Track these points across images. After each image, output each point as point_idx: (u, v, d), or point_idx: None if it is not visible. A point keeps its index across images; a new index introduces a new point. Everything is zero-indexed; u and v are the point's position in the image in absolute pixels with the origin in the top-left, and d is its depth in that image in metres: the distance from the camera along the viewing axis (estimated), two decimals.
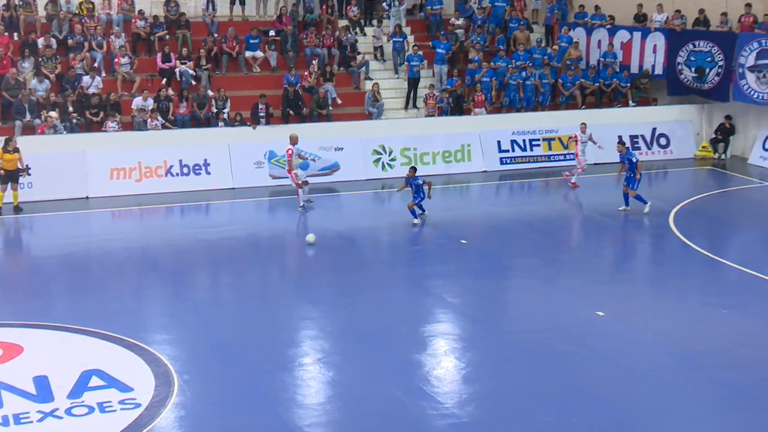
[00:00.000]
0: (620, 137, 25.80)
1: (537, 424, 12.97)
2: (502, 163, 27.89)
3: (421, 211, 22.11)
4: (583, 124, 25.72)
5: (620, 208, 23.09)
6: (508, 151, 28.06)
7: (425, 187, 21.94)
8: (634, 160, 22.90)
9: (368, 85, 28.31)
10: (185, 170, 25.16)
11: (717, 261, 20.15)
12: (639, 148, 29.22)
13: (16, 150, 22.65)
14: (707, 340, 15.94)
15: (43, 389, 13.42)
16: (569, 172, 25.98)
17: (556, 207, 25.02)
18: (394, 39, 29.51)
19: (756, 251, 20.85)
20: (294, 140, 23.09)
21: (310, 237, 20.29)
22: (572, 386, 14.14)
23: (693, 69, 29.64)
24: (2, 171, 22.47)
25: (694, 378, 14.58)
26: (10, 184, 22.74)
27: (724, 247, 21.52)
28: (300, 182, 23.05)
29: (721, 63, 29.22)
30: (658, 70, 30.29)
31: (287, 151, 23.03)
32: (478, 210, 24.94)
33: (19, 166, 22.74)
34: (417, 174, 22.30)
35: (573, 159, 27.49)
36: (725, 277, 19.50)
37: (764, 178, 27.41)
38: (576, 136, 25.70)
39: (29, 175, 23.34)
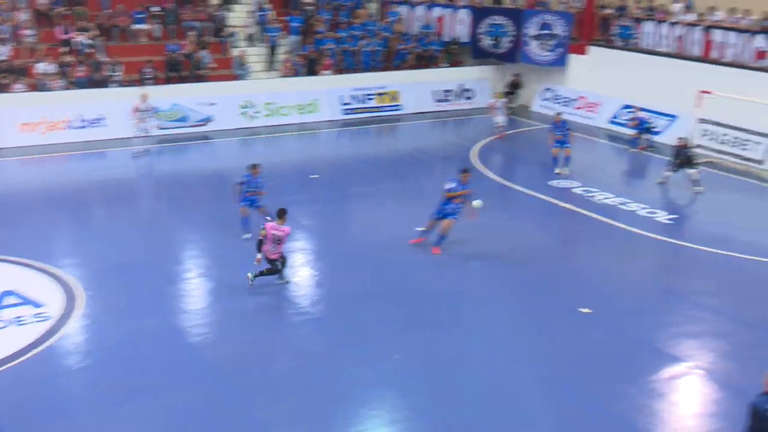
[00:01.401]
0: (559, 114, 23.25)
1: (372, 318, 13.24)
2: (344, 113, 27.82)
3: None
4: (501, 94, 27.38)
5: (557, 171, 21.59)
6: (349, 104, 27.98)
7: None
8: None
9: (236, 52, 27.62)
10: (84, 124, 24.11)
11: (507, 185, 20.78)
12: (449, 101, 29.67)
13: None
14: (499, 245, 16.54)
15: None
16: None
17: (386, 148, 25.24)
18: (258, 14, 28.85)
19: (535, 177, 21.53)
20: (144, 98, 22.77)
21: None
22: (399, 287, 14.47)
23: (491, 38, 30.09)
24: None
25: (496, 271, 15.17)
26: None
27: (512, 174, 22.19)
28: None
29: (512, 33, 29.75)
30: (465, 39, 30.59)
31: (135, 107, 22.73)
32: (325, 151, 24.92)
33: None
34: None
35: (399, 109, 27.81)
36: (513, 197, 20.11)
37: (543, 121, 28.25)
38: (492, 104, 26.21)
39: None
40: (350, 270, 15.06)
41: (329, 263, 15.56)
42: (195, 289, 14.19)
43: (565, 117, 22.27)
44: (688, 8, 27.28)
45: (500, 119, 25.53)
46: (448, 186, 15.71)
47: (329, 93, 27.66)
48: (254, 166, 16.22)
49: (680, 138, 20.78)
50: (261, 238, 13.92)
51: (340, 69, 28.66)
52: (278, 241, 13.89)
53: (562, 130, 21.66)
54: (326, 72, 28.16)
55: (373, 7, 31.75)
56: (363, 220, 18.27)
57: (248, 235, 15.98)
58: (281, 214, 13.88)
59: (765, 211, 20.15)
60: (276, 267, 14.08)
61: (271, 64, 28.23)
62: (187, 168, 22.02)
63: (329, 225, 17.84)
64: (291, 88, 27.16)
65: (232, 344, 12.25)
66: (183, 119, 24.84)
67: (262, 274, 13.99)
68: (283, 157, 23.41)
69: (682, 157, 20.31)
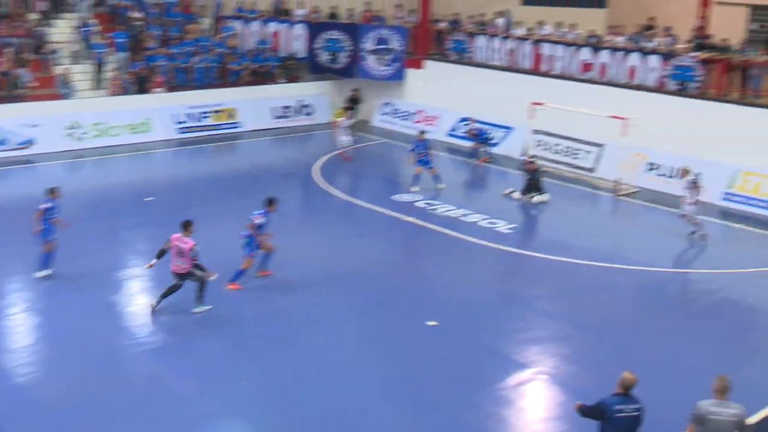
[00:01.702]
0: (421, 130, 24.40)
1: (215, 345, 12.93)
2: (179, 132, 27.17)
3: None
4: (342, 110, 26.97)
5: (413, 189, 21.60)
6: (184, 122, 27.36)
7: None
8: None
9: (59, 70, 26.42)
10: None
11: (351, 201, 20.94)
12: (289, 117, 29.63)
13: None
14: (345, 262, 16.62)
15: None
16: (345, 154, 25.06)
17: (225, 167, 24.83)
18: (82, 29, 27.73)
19: (378, 192, 21.82)
20: None
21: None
22: (241, 312, 14.21)
23: (328, 53, 30.31)
24: None
25: (341, 288, 15.18)
26: None
27: (355, 190, 22.37)
28: None
29: (349, 48, 30.09)
30: (302, 54, 30.65)
31: None
32: (160, 172, 24.19)
33: None
34: None
35: (237, 127, 27.59)
36: (357, 213, 20.28)
37: (383, 135, 28.77)
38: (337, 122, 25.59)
39: None
40: (189, 295, 14.63)
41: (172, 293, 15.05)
42: (20, 325, 13.38)
43: (427, 136, 22.63)
44: (509, 24, 28.57)
45: (346, 139, 25.14)
46: (259, 221, 14.85)
47: (162, 111, 26.95)
48: (52, 191, 15.25)
49: (530, 160, 21.47)
50: (165, 248, 13.57)
51: (173, 86, 28.01)
52: (181, 253, 13.43)
53: (425, 148, 21.98)
54: (158, 90, 27.43)
55: (206, 23, 31.28)
56: (202, 241, 17.74)
57: (46, 273, 15.08)
58: (186, 225, 13.52)
59: (598, 217, 21.32)
60: (177, 285, 13.65)
61: (98, 82, 27.20)
62: (6, 195, 20.78)
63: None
64: (121, 107, 26.27)
65: (65, 381, 11.62)
66: (1, 142, 23.52)
67: (164, 296, 13.68)
68: (114, 179, 22.58)
69: (534, 180, 21.00)
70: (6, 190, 21.40)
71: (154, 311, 13.71)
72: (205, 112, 27.78)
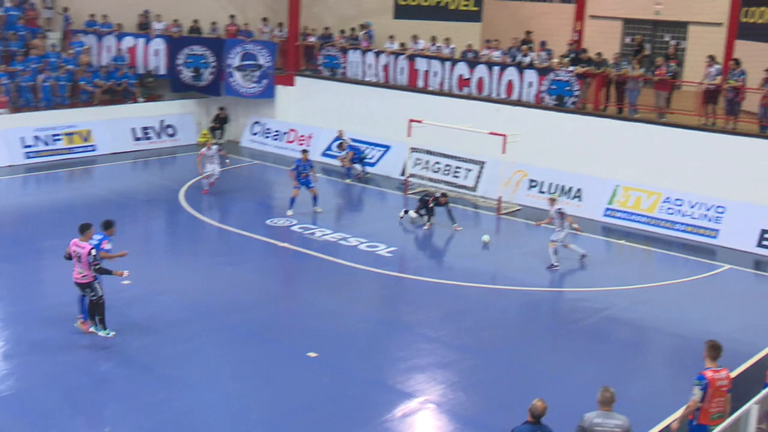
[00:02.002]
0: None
1: (75, 387, 12.55)
2: (27, 157, 26.23)
3: None
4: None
5: (289, 212, 21.71)
6: (32, 146, 26.45)
7: None
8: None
9: None
10: None
11: (221, 228, 20.76)
12: (150, 138, 29.13)
13: None
14: (217, 293, 16.44)
15: None
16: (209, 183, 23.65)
17: (80, 194, 24.12)
18: None
19: (250, 217, 21.74)
20: None
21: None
22: (106, 352, 13.85)
23: (191, 69, 30.00)
24: None
25: (215, 322, 14.99)
26: None
27: (226, 216, 22.19)
28: None
29: (213, 64, 29.90)
30: (162, 71, 30.21)
31: None
32: (5, 202, 23.20)
33: None
34: None
35: (92, 150, 26.97)
36: (229, 240, 20.14)
37: (254, 156, 28.68)
38: (202, 153, 23.49)
39: None
40: (44, 335, 14.15)
41: (18, 331, 14.49)
42: None
43: (310, 155, 22.68)
44: (370, 37, 29.13)
45: (211, 168, 23.36)
46: (106, 246, 14.31)
47: (6, 134, 25.97)
48: None
49: (443, 193, 21.68)
50: (65, 254, 13.77)
51: (18, 107, 27.03)
52: (78, 257, 13.46)
53: (306, 168, 22.00)
54: (2, 111, 26.44)
55: (54, 37, 30.40)
56: (54, 278, 17.19)
57: None
58: (83, 229, 13.61)
59: (480, 237, 21.87)
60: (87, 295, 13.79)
61: None
62: None
63: (15, 286, 16.64)
64: None
65: None
66: None
67: (97, 321, 13.83)
68: None
69: (442, 209, 21.18)
70: None
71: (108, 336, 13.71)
72: (56, 135, 26.94)
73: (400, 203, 23.80)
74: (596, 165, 22.96)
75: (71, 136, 27.36)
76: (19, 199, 23.44)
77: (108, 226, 14.54)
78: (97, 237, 14.22)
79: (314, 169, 22.30)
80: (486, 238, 20.32)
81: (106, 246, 14.30)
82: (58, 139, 26.98)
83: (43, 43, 29.32)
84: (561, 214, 18.81)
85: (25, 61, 27.85)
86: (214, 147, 23.68)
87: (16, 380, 12.71)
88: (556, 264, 18.60)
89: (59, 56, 28.85)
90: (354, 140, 26.53)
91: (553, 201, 19.25)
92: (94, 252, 13.49)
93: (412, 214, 21.49)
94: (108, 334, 13.87)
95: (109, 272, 13.70)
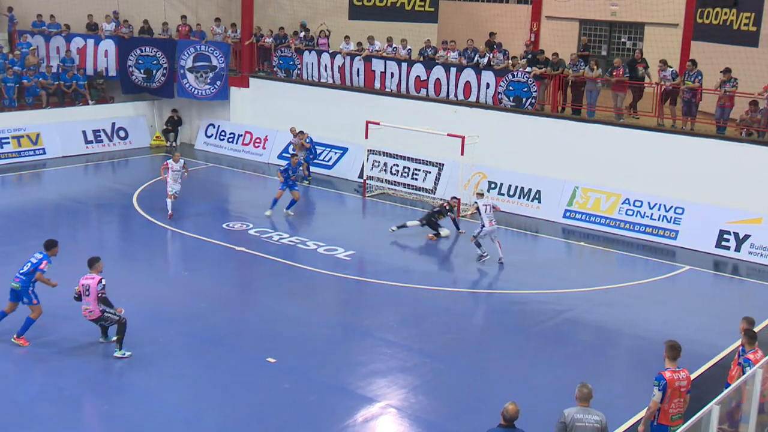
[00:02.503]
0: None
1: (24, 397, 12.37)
2: None
3: None
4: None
5: (267, 213, 22.01)
6: None
7: None
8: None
9: None
10: None
11: (177, 232, 20.58)
12: (102, 141, 28.82)
13: None
14: (173, 299, 16.31)
15: None
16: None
17: (29, 198, 23.76)
18: None
19: (206, 221, 21.59)
20: None
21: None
22: (51, 363, 13.69)
23: (142, 70, 29.73)
24: None
25: (166, 331, 14.85)
26: None
27: (182, 220, 21.94)
28: None
29: (165, 65, 29.67)
30: (112, 72, 29.92)
31: None
32: None
33: None
34: None
35: (42, 154, 26.56)
36: (185, 244, 20.00)
37: (208, 159, 28.50)
38: (167, 164, 21.66)
39: None
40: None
41: None
42: None
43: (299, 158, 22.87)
44: (306, 35, 28.95)
45: (176, 187, 21.53)
46: (44, 268, 13.95)
47: None
48: None
49: (453, 198, 21.66)
50: (75, 295, 13.69)
51: None
52: (87, 291, 13.44)
53: (296, 171, 22.36)
54: None
55: (2, 38, 29.95)
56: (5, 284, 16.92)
57: None
58: (92, 262, 13.70)
59: (439, 240, 21.95)
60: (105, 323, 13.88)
61: None
62: None
63: None
64: None
65: None
66: None
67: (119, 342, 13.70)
68: None
69: (443, 215, 21.13)
70: None
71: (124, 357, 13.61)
72: (4, 138, 26.50)
73: (359, 206, 23.83)
74: (555, 167, 23.19)
75: (20, 139, 26.96)
76: None
77: (50, 246, 14.28)
78: (37, 256, 14.03)
79: (307, 172, 22.90)
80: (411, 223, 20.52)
81: (44, 267, 13.99)
82: (6, 142, 26.55)
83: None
84: (492, 209, 19.22)
85: None
86: (182, 161, 21.86)
87: None
88: (484, 254, 19.09)
89: (5, 57, 28.41)
90: (309, 142, 26.40)
91: (480, 195, 19.94)
92: (104, 281, 13.59)
93: (410, 223, 21.18)
94: (124, 354, 13.69)
95: (110, 305, 13.71)
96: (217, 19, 31.01)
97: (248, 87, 29.76)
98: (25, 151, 26.98)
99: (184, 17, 30.91)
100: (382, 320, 15.90)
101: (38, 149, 27.22)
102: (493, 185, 23.83)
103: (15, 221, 20.98)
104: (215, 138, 29.90)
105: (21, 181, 25.38)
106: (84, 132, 28.50)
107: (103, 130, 29.03)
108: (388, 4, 31.90)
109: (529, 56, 25.55)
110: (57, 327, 14.56)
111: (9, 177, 25.40)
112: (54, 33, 29.72)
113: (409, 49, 27.19)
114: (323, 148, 27.06)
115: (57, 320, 14.65)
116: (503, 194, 23.50)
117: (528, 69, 24.58)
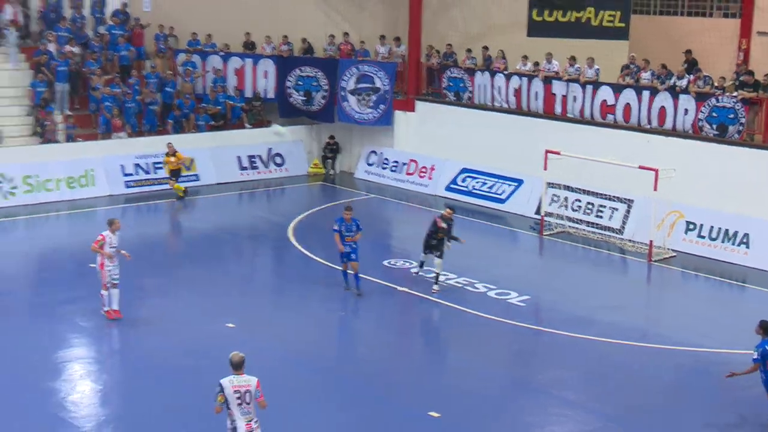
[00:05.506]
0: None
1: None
2: (127, 186, 27.16)
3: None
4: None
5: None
6: (132, 174, 27.41)
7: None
8: None
9: None
10: None
11: (334, 268, 20.93)
12: (257, 168, 29.81)
13: None
14: (327, 342, 16.60)
15: None
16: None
17: (181, 228, 24.87)
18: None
19: (366, 256, 21.76)
20: None
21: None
22: (201, 400, 14.14)
23: (301, 92, 30.58)
24: None
25: (315, 378, 15.09)
26: None
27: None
28: None
29: (325, 87, 30.39)
30: (270, 94, 30.90)
31: None
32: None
33: None
34: None
35: (195, 180, 27.69)
36: (342, 284, 20.29)
37: (369, 190, 28.94)
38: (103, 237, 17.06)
39: None
40: (141, 381, 14.58)
41: (115, 375, 15.01)
42: None
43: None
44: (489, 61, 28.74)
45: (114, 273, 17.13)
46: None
47: (107, 161, 27.00)
48: None
49: (448, 208, 20.78)
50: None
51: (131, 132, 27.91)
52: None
53: (351, 230, 19.88)
54: (121, 134, 27.38)
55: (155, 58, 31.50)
56: (156, 317, 17.71)
57: None
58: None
59: (628, 287, 21.41)
60: None
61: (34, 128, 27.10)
62: None
63: (114, 325, 17.19)
64: (57, 157, 26.29)
65: None
66: None
67: None
68: (51, 242, 22.59)
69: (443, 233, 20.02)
70: None
71: None
72: (157, 163, 27.68)
73: (535, 245, 23.60)
74: (766, 206, 22.21)
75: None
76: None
77: None
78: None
79: (362, 232, 19.42)
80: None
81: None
82: (160, 167, 27.66)
83: (147, 63, 30.26)
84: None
85: (134, 85, 28.76)
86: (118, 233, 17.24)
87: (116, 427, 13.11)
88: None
89: (159, 77, 29.71)
90: (480, 173, 26.17)
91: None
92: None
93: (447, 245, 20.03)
94: None
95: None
96: (382, 37, 31.42)
97: (414, 111, 30.12)
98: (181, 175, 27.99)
99: (346, 34, 31.66)
100: (559, 376, 15.65)
101: (192, 175, 28.28)
102: (691, 226, 23.06)
103: (166, 252, 21.99)
104: (377, 166, 30.37)
105: (173, 210, 26.46)
106: (239, 157, 29.55)
107: (259, 156, 29.97)
108: (573, 19, 31.58)
109: (738, 78, 24.70)
110: None
111: (161, 205, 26.58)
112: (211, 52, 30.89)
113: (597, 69, 26.72)
114: (495, 180, 27.00)
115: None
116: (703, 237, 22.70)
117: (735, 93, 23.77)
